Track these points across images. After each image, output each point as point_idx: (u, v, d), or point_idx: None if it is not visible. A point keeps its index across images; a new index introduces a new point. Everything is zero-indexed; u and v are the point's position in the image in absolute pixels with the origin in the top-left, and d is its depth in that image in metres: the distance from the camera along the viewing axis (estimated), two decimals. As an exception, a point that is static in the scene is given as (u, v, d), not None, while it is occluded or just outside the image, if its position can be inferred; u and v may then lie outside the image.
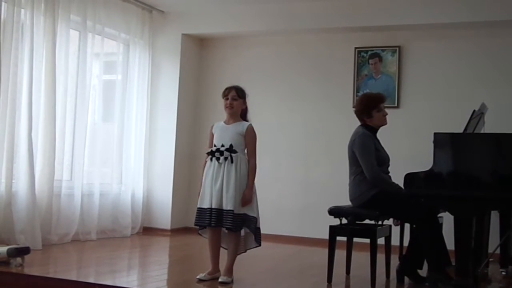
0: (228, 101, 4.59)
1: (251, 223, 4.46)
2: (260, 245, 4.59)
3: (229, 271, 4.51)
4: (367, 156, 4.71)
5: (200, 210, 4.52)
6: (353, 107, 6.88)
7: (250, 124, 4.61)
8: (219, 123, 4.68)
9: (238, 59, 7.69)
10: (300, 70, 7.39)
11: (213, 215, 4.43)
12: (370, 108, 4.87)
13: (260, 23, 7.30)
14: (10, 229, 5.51)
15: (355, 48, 7.12)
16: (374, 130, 4.90)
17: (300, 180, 7.27)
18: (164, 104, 7.57)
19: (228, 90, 4.62)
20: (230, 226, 4.41)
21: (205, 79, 7.80)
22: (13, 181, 5.61)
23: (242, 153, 4.55)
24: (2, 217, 5.51)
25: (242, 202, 4.44)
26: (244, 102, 4.66)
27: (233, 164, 4.48)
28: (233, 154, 4.49)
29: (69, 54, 6.29)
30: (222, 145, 4.52)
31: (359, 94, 7.02)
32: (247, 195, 4.46)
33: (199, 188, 4.63)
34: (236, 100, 4.60)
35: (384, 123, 4.91)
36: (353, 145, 4.82)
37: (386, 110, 4.95)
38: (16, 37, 5.62)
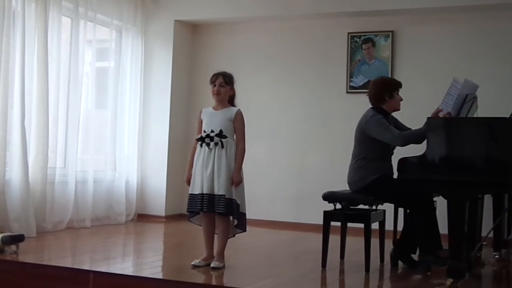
0: (215, 88, 4.60)
1: (236, 210, 4.48)
2: (245, 230, 4.62)
3: (221, 256, 4.53)
4: (383, 129, 4.69)
5: (192, 196, 4.53)
6: (349, 88, 6.92)
7: (239, 109, 4.63)
8: (208, 109, 4.68)
9: (231, 45, 7.67)
10: (293, 56, 7.38)
11: (205, 200, 4.45)
12: (394, 89, 4.91)
13: (253, 8, 7.27)
14: (4, 217, 5.51)
15: (348, 33, 7.10)
16: (386, 114, 4.89)
17: (295, 165, 7.28)
18: (157, 90, 7.56)
19: (215, 77, 4.63)
20: (223, 210, 4.43)
21: (198, 65, 7.78)
22: (6, 169, 5.60)
23: (231, 138, 4.56)
24: (-4, 205, 5.51)
25: (234, 184, 4.46)
26: (232, 88, 4.67)
27: (223, 149, 4.50)
28: (223, 139, 4.51)
29: (61, 41, 6.25)
30: (212, 131, 4.53)
31: (352, 79, 7.03)
32: (236, 176, 4.47)
33: (188, 174, 4.64)
34: (224, 87, 4.60)
35: (399, 107, 4.95)
36: (364, 126, 4.79)
37: None
38: (8, 24, 5.58)
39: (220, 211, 4.46)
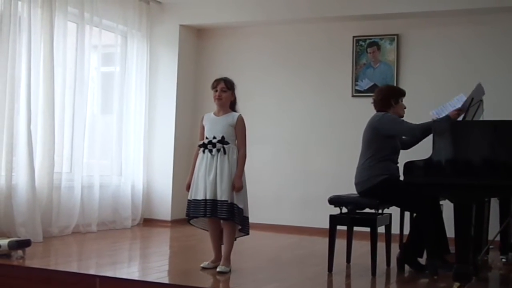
0: (217, 93, 4.63)
1: (238, 214, 4.49)
2: (248, 233, 4.63)
3: (227, 260, 4.54)
4: (399, 122, 4.81)
5: (195, 202, 4.54)
6: (349, 93, 6.92)
7: (240, 115, 4.65)
8: (209, 114, 4.71)
9: (236, 49, 7.68)
10: (298, 60, 7.38)
11: (208, 205, 4.47)
12: (399, 95, 5.03)
13: (258, 12, 7.28)
14: (10, 222, 5.52)
15: (353, 37, 7.11)
16: None
17: (300, 169, 7.27)
18: (163, 95, 7.57)
19: (217, 82, 4.66)
20: (226, 216, 4.45)
21: (203, 69, 7.79)
22: (13, 174, 5.61)
23: (233, 143, 4.59)
24: (3, 210, 5.52)
25: (235, 189, 4.48)
26: (233, 94, 4.70)
27: (226, 155, 4.53)
28: (225, 146, 4.54)
29: (67, 46, 6.27)
30: (214, 137, 4.56)
31: (357, 83, 7.03)
32: (237, 182, 4.49)
33: (189, 179, 4.67)
34: (225, 92, 4.63)
35: (403, 114, 5.03)
36: (377, 124, 4.83)
37: None
38: (14, 30, 5.61)
39: (222, 217, 4.48)
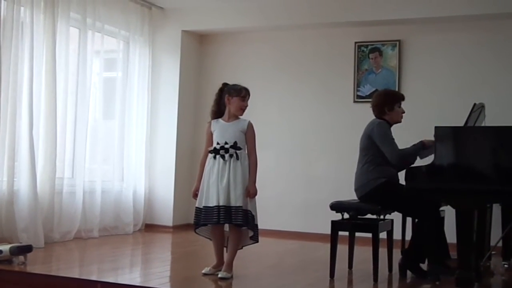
0: (244, 104, 4.63)
1: (252, 221, 4.48)
2: (257, 241, 4.61)
3: (229, 266, 4.52)
4: (388, 142, 4.74)
5: (207, 209, 4.49)
6: (351, 98, 6.92)
7: (250, 121, 4.65)
8: (217, 120, 4.67)
9: (238, 55, 7.68)
10: (301, 65, 7.39)
11: (221, 212, 4.43)
12: (394, 101, 4.94)
13: (260, 18, 7.29)
14: (12, 227, 5.52)
15: (355, 42, 7.11)
16: (389, 125, 4.92)
17: (302, 175, 7.27)
18: (165, 101, 7.58)
19: (245, 92, 4.65)
20: (241, 222, 4.43)
21: (205, 75, 7.80)
22: (14, 179, 5.61)
23: (244, 149, 4.58)
24: (4, 216, 5.52)
25: (250, 195, 4.47)
26: None
27: (239, 161, 4.51)
28: (238, 151, 4.52)
29: (69, 52, 6.28)
30: (226, 143, 4.53)
31: (359, 88, 7.03)
32: (253, 188, 4.49)
33: (196, 185, 4.64)
34: None
35: (400, 120, 4.98)
36: (371, 133, 4.81)
37: None
38: (16, 35, 5.62)
39: (238, 223, 4.44)
